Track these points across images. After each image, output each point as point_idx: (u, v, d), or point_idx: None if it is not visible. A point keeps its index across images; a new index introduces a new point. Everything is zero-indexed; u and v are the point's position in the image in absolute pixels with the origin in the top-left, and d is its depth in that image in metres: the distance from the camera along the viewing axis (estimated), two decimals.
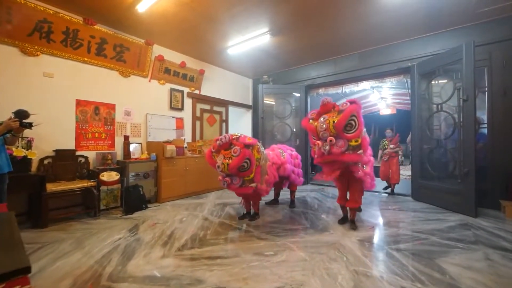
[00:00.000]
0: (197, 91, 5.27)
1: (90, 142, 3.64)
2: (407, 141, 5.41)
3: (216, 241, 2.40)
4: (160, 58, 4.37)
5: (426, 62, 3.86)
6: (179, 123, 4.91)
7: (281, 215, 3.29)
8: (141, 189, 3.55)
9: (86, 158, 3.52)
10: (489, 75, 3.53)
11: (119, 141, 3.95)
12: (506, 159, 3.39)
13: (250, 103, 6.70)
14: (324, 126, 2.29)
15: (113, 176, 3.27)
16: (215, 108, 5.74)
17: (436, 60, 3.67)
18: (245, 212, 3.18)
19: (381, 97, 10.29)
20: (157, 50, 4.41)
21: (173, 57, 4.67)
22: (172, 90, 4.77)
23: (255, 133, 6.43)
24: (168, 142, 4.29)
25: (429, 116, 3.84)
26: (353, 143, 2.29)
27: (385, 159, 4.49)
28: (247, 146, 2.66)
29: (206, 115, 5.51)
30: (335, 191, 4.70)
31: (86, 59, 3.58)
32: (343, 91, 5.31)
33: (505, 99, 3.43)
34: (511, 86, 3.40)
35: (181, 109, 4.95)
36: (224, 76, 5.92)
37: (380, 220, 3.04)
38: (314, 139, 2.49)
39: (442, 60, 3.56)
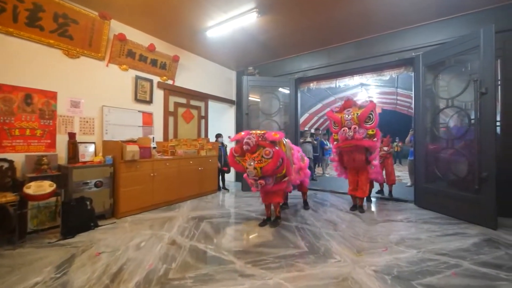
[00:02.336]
0: (170, 82, 4.47)
1: (18, 141, 2.74)
2: (406, 142, 5.03)
3: (181, 283, 1.68)
4: (121, 38, 3.53)
5: (434, 51, 3.41)
6: (147, 118, 4.09)
7: (270, 232, 2.63)
8: (88, 202, 2.72)
9: (10, 162, 2.62)
10: (502, 67, 3.15)
11: (62, 140, 3.07)
12: None
13: (234, 98, 6.00)
14: (349, 116, 2.96)
15: (45, 187, 2.41)
16: (193, 102, 4.97)
17: (446, 49, 3.22)
18: (265, 217, 2.94)
19: (369, 96, 10.10)
20: (117, 27, 3.56)
21: (139, 37, 3.84)
22: (138, 78, 3.93)
23: (238, 131, 5.74)
24: (132, 141, 3.48)
25: (437, 113, 3.39)
26: (370, 132, 2.95)
27: (380, 161, 4.05)
28: (274, 142, 2.49)
29: (181, 110, 4.72)
30: (330, 198, 4.13)
31: (11, 29, 2.68)
32: (337, 85, 4.78)
33: None
34: None
35: (150, 101, 4.12)
36: (203, 66, 5.16)
37: (392, 237, 2.48)
38: (335, 128, 3.17)
39: (453, 48, 3.11)
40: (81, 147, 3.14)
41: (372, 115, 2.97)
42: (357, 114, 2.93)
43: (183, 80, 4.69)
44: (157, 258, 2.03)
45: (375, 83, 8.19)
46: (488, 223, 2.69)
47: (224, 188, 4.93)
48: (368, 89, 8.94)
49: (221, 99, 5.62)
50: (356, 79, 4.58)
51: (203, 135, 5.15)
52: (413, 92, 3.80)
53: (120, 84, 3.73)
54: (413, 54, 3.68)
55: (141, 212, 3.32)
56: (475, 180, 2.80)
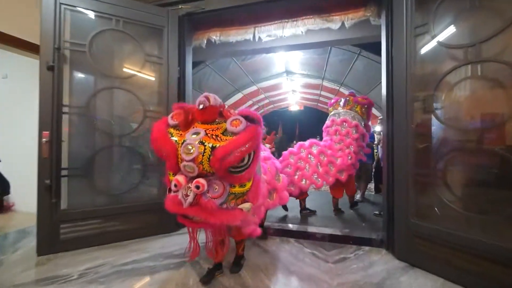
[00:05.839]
0: None
1: None
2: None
3: None
4: None
5: None
6: None
7: None
8: None
9: None
10: None
11: None
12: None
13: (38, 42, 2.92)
14: (192, 151, 1.14)
15: None
16: None
17: None
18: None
19: (292, 90, 8.94)
20: None
21: None
22: None
23: (43, 117, 2.70)
24: None
25: (441, 78, 1.70)
26: (237, 189, 1.24)
27: None
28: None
29: None
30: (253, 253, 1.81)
31: None
32: (256, 38, 2.67)
33: None
34: None
35: None
36: None
37: None
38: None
39: None
40: None
41: (250, 153, 1.46)
42: (213, 147, 1.25)
43: None
44: None
45: (301, 71, 6.93)
46: None
47: None
48: (293, 79, 7.60)
49: None
50: (288, 29, 2.59)
51: None
52: (384, 49, 2.09)
53: None
54: None
55: None
56: None
